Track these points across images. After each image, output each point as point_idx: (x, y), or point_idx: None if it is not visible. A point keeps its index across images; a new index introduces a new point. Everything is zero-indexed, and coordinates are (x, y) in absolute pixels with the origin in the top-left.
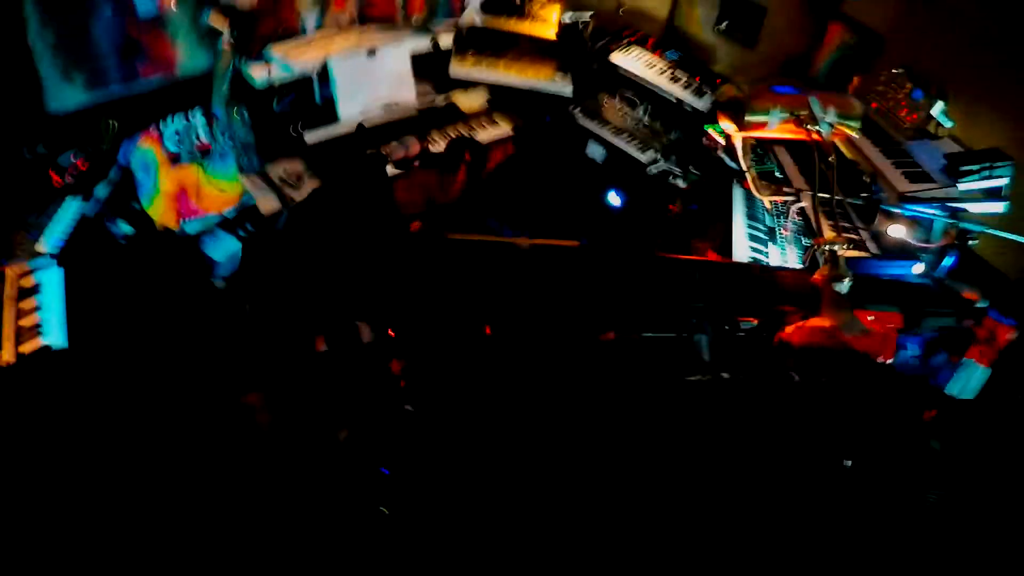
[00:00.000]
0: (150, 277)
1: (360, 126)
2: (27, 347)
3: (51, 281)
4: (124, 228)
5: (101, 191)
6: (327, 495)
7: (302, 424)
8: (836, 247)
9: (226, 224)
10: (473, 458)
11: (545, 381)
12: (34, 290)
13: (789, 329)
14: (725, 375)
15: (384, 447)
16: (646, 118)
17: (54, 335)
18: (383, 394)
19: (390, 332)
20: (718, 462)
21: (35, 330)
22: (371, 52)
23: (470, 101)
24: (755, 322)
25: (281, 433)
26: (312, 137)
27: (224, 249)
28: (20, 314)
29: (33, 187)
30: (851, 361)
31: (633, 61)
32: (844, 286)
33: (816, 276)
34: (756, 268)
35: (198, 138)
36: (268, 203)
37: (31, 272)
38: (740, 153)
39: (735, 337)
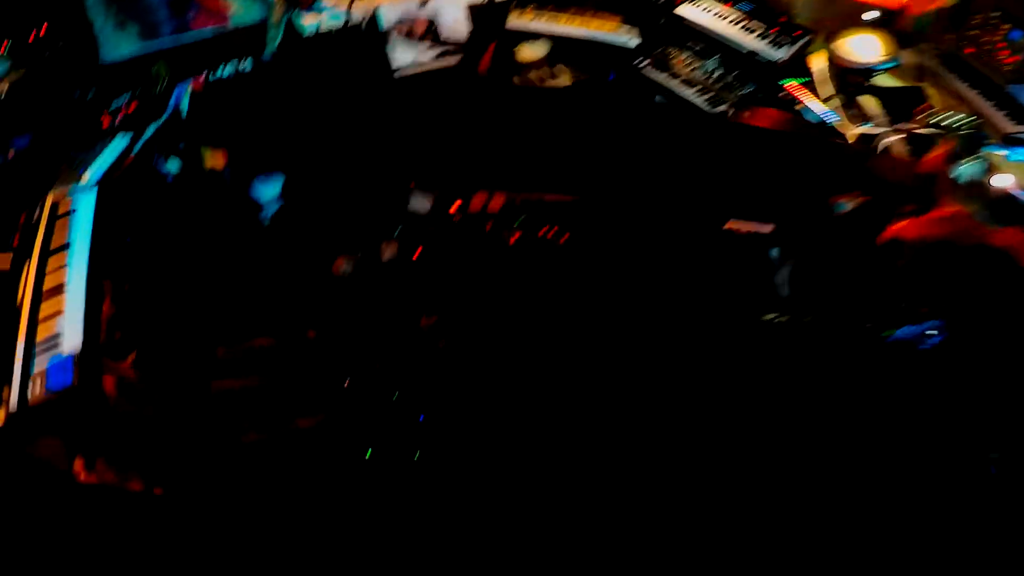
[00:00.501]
0: (195, 210)
1: None
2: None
3: (86, 204)
4: (172, 166)
5: (150, 131)
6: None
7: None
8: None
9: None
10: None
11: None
12: (69, 213)
13: (900, 224)
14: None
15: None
16: (718, 71)
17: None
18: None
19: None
20: (799, 440)
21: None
22: (423, 2)
23: (531, 52)
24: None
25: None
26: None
27: (271, 192)
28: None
29: (82, 128)
30: (987, 261)
31: (702, 12)
32: (972, 169)
33: (928, 159)
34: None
35: None
36: None
37: (70, 198)
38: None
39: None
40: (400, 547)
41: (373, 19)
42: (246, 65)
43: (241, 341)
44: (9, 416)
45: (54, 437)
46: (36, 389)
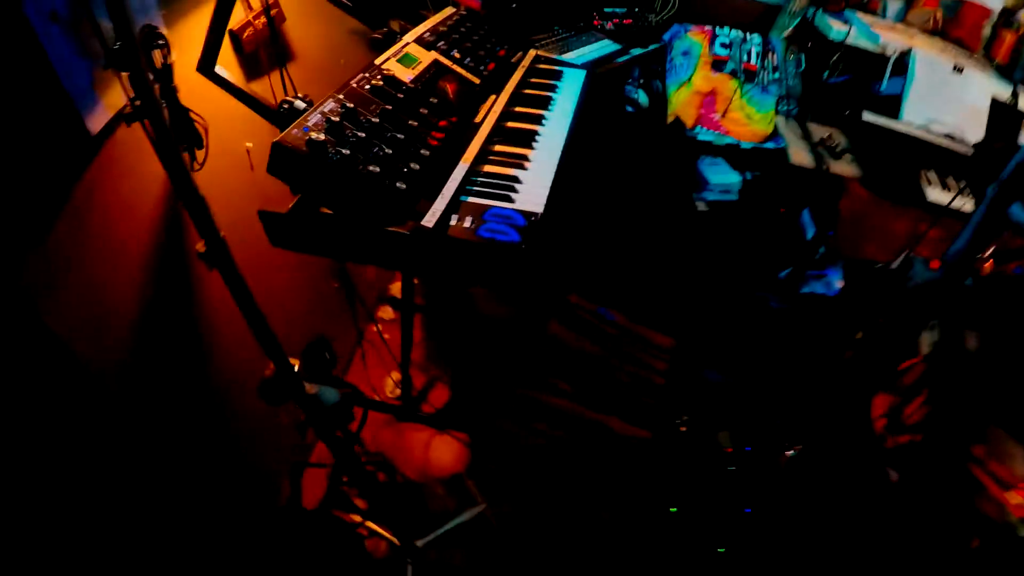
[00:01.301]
0: (639, 151)
1: None
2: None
3: (574, 77)
4: (641, 98)
5: (636, 51)
6: None
7: None
8: None
9: (736, 154)
10: None
11: None
12: (555, 73)
13: None
14: None
15: None
16: None
17: (556, 120)
18: None
19: None
20: None
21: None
22: (958, 68)
23: None
24: None
25: None
26: (870, 117)
27: (720, 175)
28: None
29: (576, 14)
30: None
31: None
32: None
33: None
34: None
35: (748, 56)
36: (801, 155)
37: (557, 63)
38: None
39: None
40: None
41: (903, 59)
42: (752, 38)
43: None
44: (417, 229)
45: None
46: (465, 222)
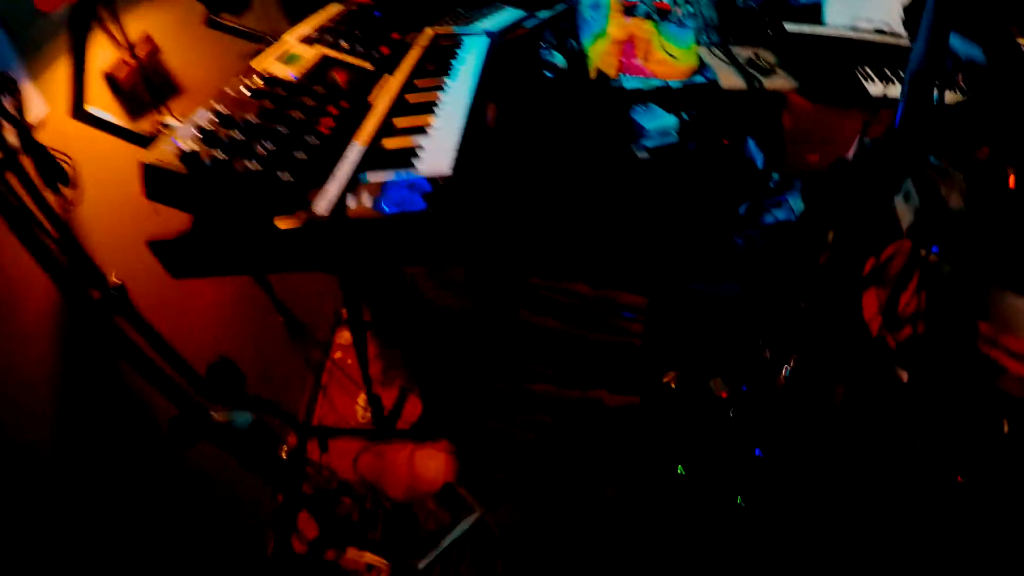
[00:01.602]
0: (567, 114)
1: None
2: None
3: (477, 44)
4: (558, 59)
5: (544, 14)
6: None
7: None
8: None
9: (667, 95)
10: None
11: None
12: (455, 43)
13: None
14: None
15: None
16: None
17: (458, 86)
18: None
19: None
20: None
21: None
22: None
23: None
24: None
25: None
26: (793, 28)
27: (655, 120)
28: (429, 58)
29: None
30: None
31: None
32: None
33: None
34: None
35: None
36: (731, 79)
37: (455, 33)
38: None
39: None
40: None
41: None
42: None
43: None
44: (310, 222)
45: None
46: (364, 200)
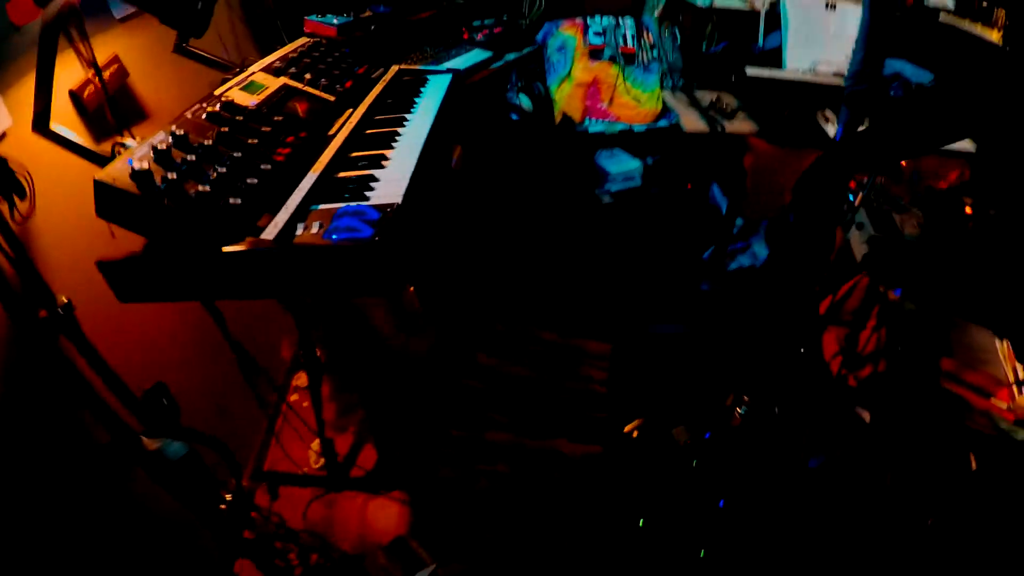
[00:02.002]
0: (531, 157)
1: None
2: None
3: (438, 81)
4: (524, 102)
5: (510, 56)
6: None
7: None
8: None
9: (631, 139)
10: None
11: None
12: (419, 80)
13: None
14: None
15: None
16: None
17: (418, 120)
18: None
19: None
20: None
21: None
22: (830, 5)
23: None
24: None
25: None
26: (754, 72)
27: (619, 164)
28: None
29: (442, 30)
30: None
31: None
32: None
33: None
34: None
35: (624, 40)
36: (693, 122)
37: (421, 71)
38: None
39: None
40: None
41: (774, 9)
42: (625, 22)
43: (527, 323)
44: (255, 247)
45: None
46: (312, 228)
